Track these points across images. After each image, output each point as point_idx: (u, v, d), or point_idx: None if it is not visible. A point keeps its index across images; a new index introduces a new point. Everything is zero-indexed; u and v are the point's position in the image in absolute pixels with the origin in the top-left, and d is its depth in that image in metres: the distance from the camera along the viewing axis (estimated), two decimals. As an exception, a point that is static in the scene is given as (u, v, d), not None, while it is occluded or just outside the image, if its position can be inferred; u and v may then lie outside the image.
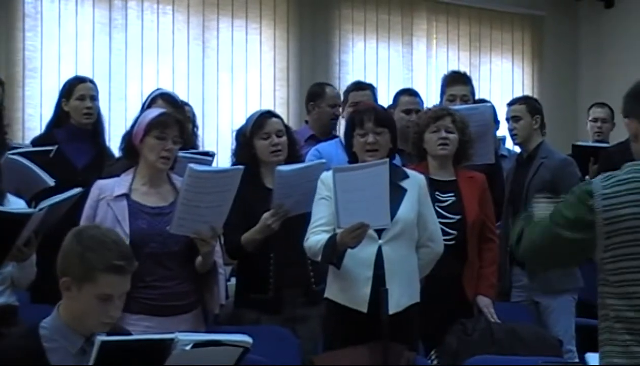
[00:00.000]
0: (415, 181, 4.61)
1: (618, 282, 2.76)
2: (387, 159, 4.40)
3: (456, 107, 5.46)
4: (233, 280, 5.31)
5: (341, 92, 6.55)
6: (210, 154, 5.33)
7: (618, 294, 2.77)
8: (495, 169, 5.70)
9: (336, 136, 6.27)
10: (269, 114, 5.02)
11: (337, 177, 4.24)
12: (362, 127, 4.58)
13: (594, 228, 2.77)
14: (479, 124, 5.32)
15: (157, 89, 5.71)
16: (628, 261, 2.74)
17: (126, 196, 4.35)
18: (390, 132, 4.64)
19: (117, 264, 3.15)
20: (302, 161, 5.08)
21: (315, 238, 4.40)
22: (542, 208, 3.29)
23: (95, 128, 5.68)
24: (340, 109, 6.27)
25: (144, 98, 5.59)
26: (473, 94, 6.17)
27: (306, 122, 6.48)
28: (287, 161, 4.88)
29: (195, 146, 5.67)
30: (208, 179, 4.22)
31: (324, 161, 4.92)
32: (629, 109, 3.13)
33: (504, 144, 6.85)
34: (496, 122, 6.12)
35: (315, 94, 6.47)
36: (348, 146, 4.69)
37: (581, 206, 2.81)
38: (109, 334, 3.15)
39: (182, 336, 3.02)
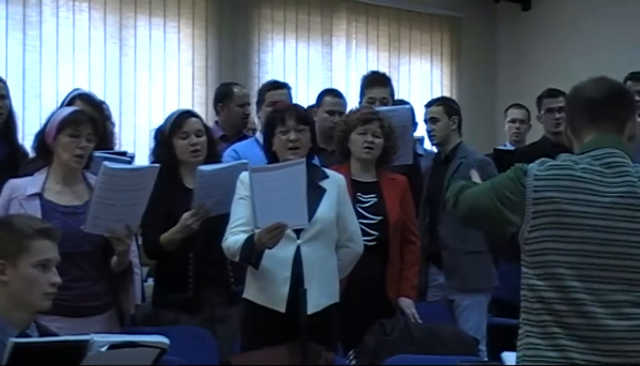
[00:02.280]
0: (334, 181, 4.61)
1: (540, 263, 2.85)
2: (304, 159, 4.39)
3: (375, 108, 5.46)
4: (150, 281, 5.25)
5: (255, 92, 6.49)
6: (130, 156, 5.25)
7: (538, 275, 2.85)
8: (414, 169, 5.73)
9: (246, 135, 6.25)
10: (188, 114, 4.98)
11: (254, 177, 4.23)
12: (283, 125, 4.57)
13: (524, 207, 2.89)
14: (398, 126, 5.33)
15: (75, 89, 5.62)
16: (552, 243, 2.82)
17: (39, 195, 4.29)
18: (311, 130, 4.65)
19: (44, 227, 3.30)
20: (220, 161, 5.05)
21: (234, 238, 4.37)
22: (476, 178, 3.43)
23: (7, 126, 5.57)
24: (256, 109, 6.22)
25: (59, 96, 5.49)
26: (392, 95, 6.19)
27: (216, 123, 6.42)
28: (207, 161, 4.84)
29: (112, 144, 5.59)
30: (123, 177, 4.17)
31: (245, 161, 4.88)
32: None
33: (422, 144, 6.88)
34: (414, 125, 6.14)
35: (223, 95, 6.41)
36: (267, 145, 4.67)
37: (517, 184, 2.92)
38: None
39: (97, 338, 3.00)
